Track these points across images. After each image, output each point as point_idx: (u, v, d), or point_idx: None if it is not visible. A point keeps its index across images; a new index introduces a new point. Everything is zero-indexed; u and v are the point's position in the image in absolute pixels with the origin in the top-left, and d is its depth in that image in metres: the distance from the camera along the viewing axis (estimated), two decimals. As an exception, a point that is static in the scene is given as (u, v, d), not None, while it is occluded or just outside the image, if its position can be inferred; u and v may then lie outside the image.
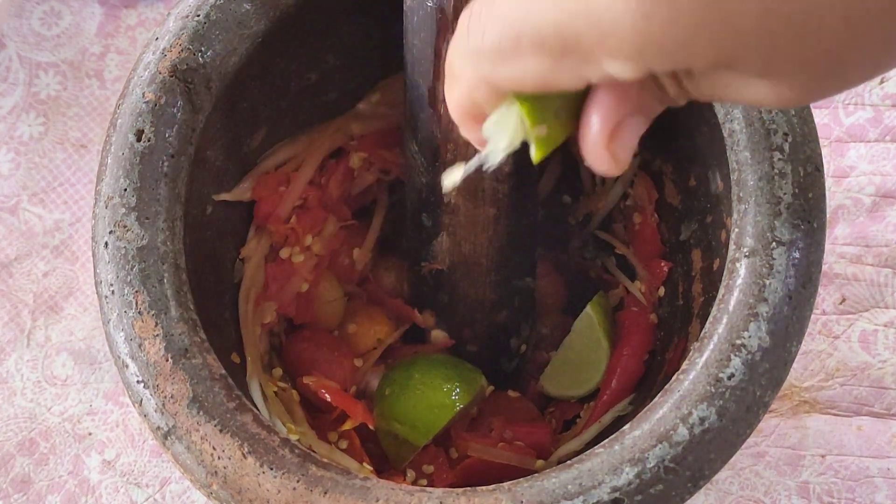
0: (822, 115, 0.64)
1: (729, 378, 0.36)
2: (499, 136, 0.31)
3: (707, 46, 0.25)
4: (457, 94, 0.32)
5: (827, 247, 0.53)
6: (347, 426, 0.49)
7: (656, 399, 0.37)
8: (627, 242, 0.54)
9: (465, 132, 0.34)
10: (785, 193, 0.38)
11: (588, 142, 0.30)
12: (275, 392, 0.49)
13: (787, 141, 0.39)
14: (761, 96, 0.27)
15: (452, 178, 0.35)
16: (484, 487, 0.36)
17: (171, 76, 0.42)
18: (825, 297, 0.61)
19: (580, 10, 0.26)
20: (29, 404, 0.61)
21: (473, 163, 0.33)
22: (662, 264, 0.51)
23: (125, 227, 0.40)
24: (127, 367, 0.39)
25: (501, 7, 0.28)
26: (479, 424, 0.52)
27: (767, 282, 0.37)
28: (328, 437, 0.49)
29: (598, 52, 0.26)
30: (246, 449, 0.37)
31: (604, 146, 0.30)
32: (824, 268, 0.56)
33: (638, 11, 0.25)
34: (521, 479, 0.36)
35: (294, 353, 0.53)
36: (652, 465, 0.35)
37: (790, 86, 0.27)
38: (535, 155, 0.31)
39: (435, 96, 0.45)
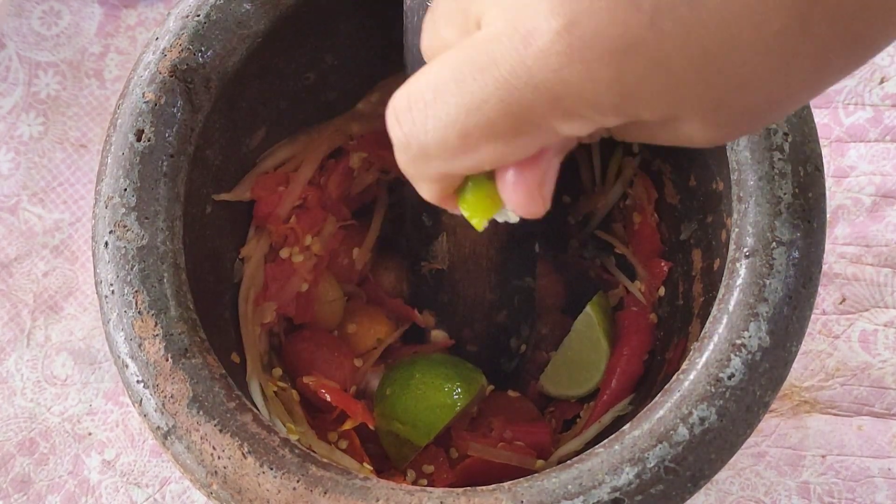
0: (822, 115, 0.64)
1: (729, 378, 0.36)
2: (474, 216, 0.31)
3: (655, 101, 0.26)
4: (426, 192, 0.32)
5: (827, 247, 0.53)
6: (347, 426, 0.49)
7: (656, 399, 0.37)
8: (627, 242, 0.54)
9: (452, 209, 0.33)
10: (785, 193, 0.38)
11: (519, 190, 0.29)
12: (275, 392, 0.49)
13: (787, 141, 0.39)
14: (690, 138, 0.28)
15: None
16: (484, 487, 0.36)
17: (171, 76, 0.42)
18: (825, 297, 0.61)
19: (527, 82, 0.26)
20: (29, 404, 0.61)
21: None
22: (662, 264, 0.51)
23: (125, 226, 0.40)
24: (127, 366, 0.39)
25: (436, 105, 0.27)
26: (479, 424, 0.52)
27: (767, 282, 0.37)
28: (328, 437, 0.49)
29: (552, 118, 0.26)
30: (246, 449, 0.37)
31: (538, 191, 0.29)
32: (824, 268, 0.56)
33: (585, 73, 0.25)
34: (522, 479, 0.36)
35: (294, 353, 0.53)
36: (652, 465, 0.35)
37: (719, 128, 0.27)
38: (476, 225, 0.31)
39: (435, 96, 0.45)
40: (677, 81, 0.25)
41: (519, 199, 0.29)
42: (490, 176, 0.30)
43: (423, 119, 0.28)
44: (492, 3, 0.27)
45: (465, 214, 0.31)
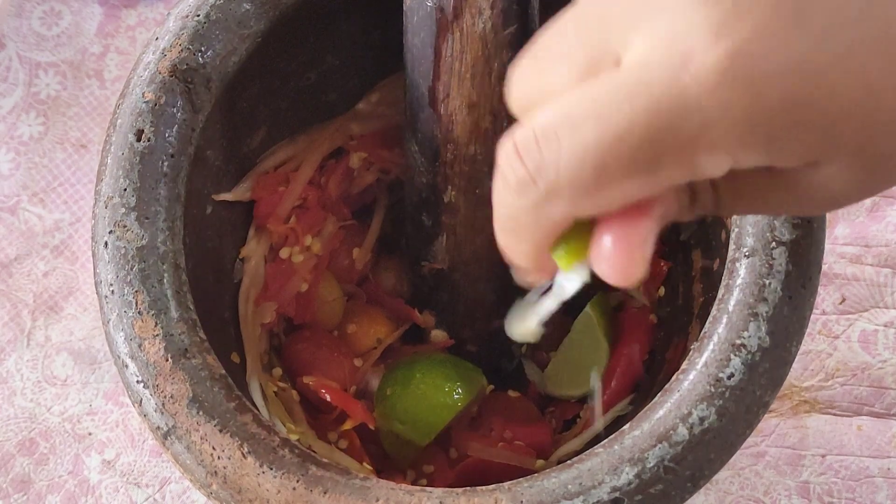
0: (822, 114, 0.64)
1: (729, 378, 0.36)
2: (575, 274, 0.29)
3: (808, 132, 0.24)
4: (527, 248, 0.28)
5: (827, 247, 0.52)
6: (347, 426, 0.49)
7: (656, 399, 0.37)
8: (627, 242, 0.54)
9: (533, 278, 0.31)
10: (785, 193, 0.38)
11: (619, 249, 0.27)
12: (275, 392, 0.49)
13: (786, 141, 0.39)
14: (826, 188, 0.26)
15: (527, 328, 0.32)
16: (484, 487, 0.36)
17: (171, 76, 0.42)
18: (825, 297, 0.61)
19: (678, 101, 0.24)
20: (29, 404, 0.61)
21: (549, 306, 0.31)
22: (662, 264, 0.51)
23: (125, 226, 0.40)
24: (127, 367, 0.39)
25: (573, 138, 0.25)
26: (480, 424, 0.52)
27: (767, 282, 0.37)
28: (328, 436, 0.49)
29: (695, 148, 0.24)
30: (246, 449, 0.37)
31: (639, 251, 0.27)
32: (824, 268, 0.56)
33: (746, 97, 0.23)
34: (521, 479, 0.36)
35: (294, 352, 0.53)
36: (652, 464, 0.35)
37: (865, 171, 0.26)
38: (563, 266, 0.29)
39: (435, 96, 0.45)
40: (837, 110, 0.24)
41: (618, 259, 0.27)
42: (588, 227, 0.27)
43: (555, 153, 0.25)
44: (640, 33, 0.25)
45: (560, 262, 0.29)
